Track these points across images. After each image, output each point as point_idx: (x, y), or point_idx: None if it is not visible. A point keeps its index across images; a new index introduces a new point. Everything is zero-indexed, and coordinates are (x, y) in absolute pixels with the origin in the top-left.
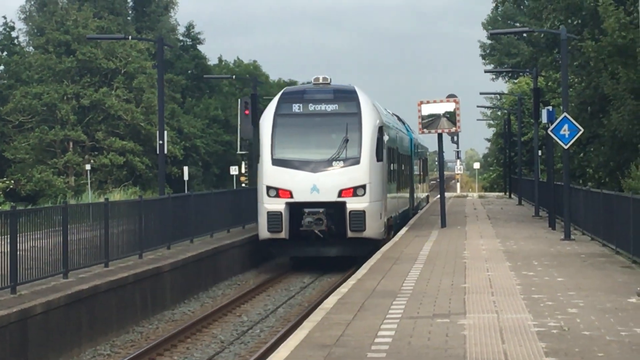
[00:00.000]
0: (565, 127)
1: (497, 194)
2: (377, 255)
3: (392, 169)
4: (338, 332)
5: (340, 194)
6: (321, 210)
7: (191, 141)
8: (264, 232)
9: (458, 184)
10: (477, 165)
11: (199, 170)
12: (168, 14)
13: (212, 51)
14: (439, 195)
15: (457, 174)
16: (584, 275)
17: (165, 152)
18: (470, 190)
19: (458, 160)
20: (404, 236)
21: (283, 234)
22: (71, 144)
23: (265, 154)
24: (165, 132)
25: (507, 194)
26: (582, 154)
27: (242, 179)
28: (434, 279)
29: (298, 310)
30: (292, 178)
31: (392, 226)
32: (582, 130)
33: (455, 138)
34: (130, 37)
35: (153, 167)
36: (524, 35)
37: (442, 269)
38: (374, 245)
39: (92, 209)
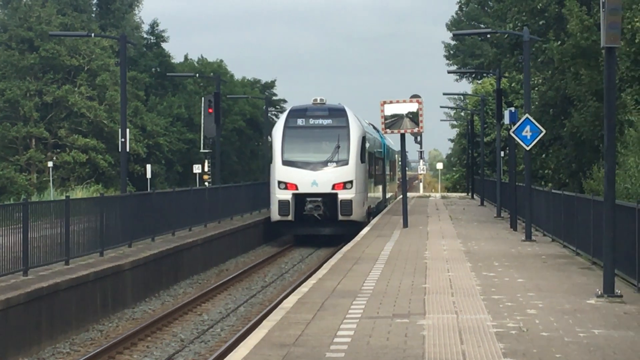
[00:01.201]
0: (527, 128)
1: (459, 194)
2: (338, 255)
3: (370, 169)
4: (297, 331)
5: (333, 187)
6: (319, 199)
7: (154, 139)
8: (275, 216)
9: (421, 184)
10: (440, 166)
11: (162, 168)
12: (132, 11)
13: (178, 49)
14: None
15: (420, 174)
16: (543, 277)
17: (128, 150)
18: (433, 190)
19: (421, 161)
20: (366, 236)
21: (290, 217)
22: (34, 140)
23: (276, 156)
24: (128, 130)
25: (470, 194)
26: (544, 156)
27: (205, 177)
28: (395, 279)
29: (258, 310)
30: (298, 175)
31: (371, 213)
32: (544, 131)
33: (419, 138)
34: (93, 35)
35: (116, 165)
36: (488, 36)
37: (403, 269)
38: (358, 226)
39: (53, 206)
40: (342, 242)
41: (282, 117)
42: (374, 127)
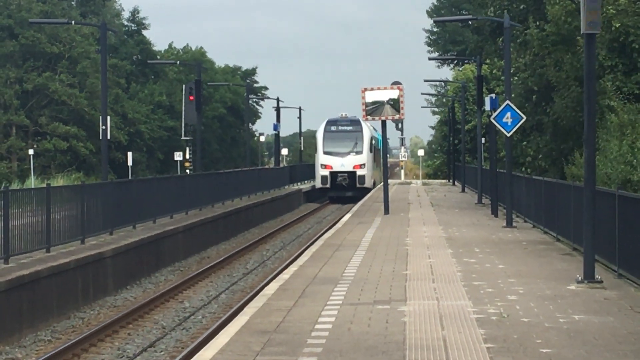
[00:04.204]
0: (508, 114)
1: (440, 181)
2: (320, 242)
3: (374, 156)
4: (278, 318)
5: (353, 167)
6: (345, 174)
7: (135, 126)
8: (319, 184)
9: (402, 171)
10: (421, 153)
11: (143, 155)
12: None
13: (161, 37)
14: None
15: (402, 161)
16: (524, 263)
17: (109, 137)
18: (414, 177)
19: (402, 147)
20: (347, 222)
21: (328, 185)
22: (14, 128)
23: (319, 149)
24: (109, 118)
25: (451, 181)
26: (525, 142)
27: (187, 164)
28: (376, 265)
29: (240, 297)
30: (332, 160)
31: (375, 183)
32: (525, 118)
33: (400, 125)
34: (73, 22)
35: (97, 153)
36: (469, 23)
37: (384, 255)
38: (368, 190)
39: (34, 194)
40: (358, 200)
41: (322, 125)
42: (374, 129)
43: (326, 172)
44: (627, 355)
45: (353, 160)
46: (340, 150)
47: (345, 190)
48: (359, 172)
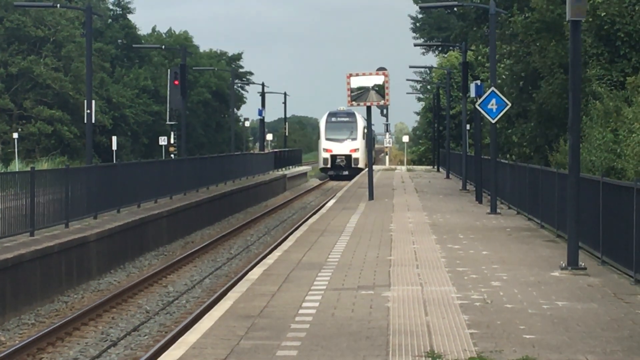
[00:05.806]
0: (493, 101)
1: (425, 167)
2: (304, 228)
3: (366, 142)
4: (262, 303)
5: (350, 151)
6: (343, 157)
7: (120, 111)
8: (321, 165)
9: (387, 157)
10: (406, 139)
11: (127, 140)
12: None
13: (145, 21)
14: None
15: (387, 147)
16: (508, 249)
17: (94, 121)
18: (399, 163)
19: (387, 134)
20: (332, 208)
21: (329, 166)
22: None
23: (322, 135)
24: (94, 102)
25: (436, 167)
26: (510, 130)
27: (171, 149)
28: (360, 251)
29: (224, 281)
30: (333, 145)
31: (366, 165)
32: (510, 104)
33: (385, 111)
34: (58, 5)
35: (81, 137)
36: (455, 9)
37: (368, 241)
38: (361, 170)
39: (18, 177)
40: (353, 178)
41: (324, 116)
42: (365, 119)
43: (327, 155)
44: (610, 342)
45: (349, 145)
46: (339, 137)
47: (343, 169)
48: (354, 155)
